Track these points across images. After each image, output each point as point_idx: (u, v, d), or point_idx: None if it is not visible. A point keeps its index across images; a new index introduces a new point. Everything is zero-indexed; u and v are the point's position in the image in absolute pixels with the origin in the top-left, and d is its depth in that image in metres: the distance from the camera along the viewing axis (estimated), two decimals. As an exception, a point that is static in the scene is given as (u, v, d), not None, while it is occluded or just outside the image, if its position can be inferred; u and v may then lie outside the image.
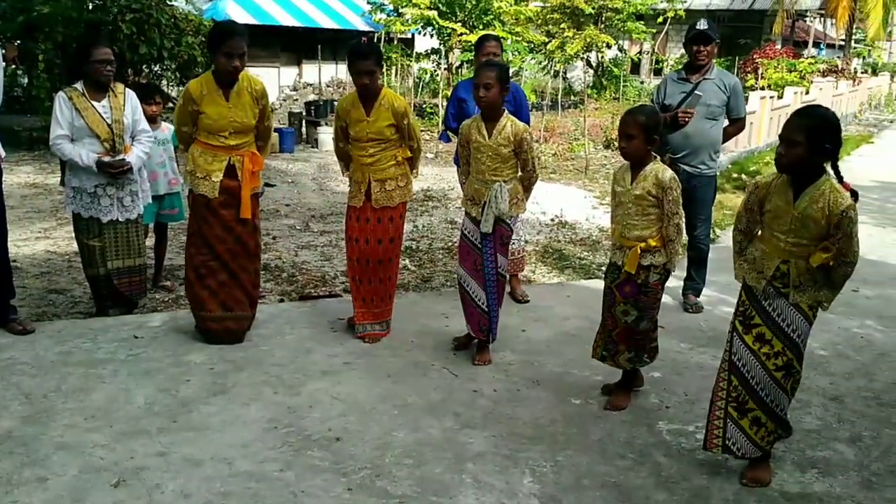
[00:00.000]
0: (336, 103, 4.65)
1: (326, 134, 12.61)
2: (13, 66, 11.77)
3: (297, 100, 17.76)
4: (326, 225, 7.36)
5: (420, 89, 19.44)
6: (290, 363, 3.96)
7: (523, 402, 3.64)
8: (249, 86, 4.09)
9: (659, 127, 3.34)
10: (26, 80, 12.59)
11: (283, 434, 3.23)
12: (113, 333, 4.25)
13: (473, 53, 5.35)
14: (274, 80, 18.22)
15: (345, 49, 18.00)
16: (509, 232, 3.99)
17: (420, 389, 3.71)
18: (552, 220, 7.82)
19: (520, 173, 3.99)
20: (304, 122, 14.09)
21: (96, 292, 4.52)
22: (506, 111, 3.94)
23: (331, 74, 19.30)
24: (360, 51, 4.05)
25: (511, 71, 16.32)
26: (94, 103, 4.25)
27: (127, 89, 4.44)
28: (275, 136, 12.40)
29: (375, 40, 17.71)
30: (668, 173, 3.33)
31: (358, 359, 4.05)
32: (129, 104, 4.38)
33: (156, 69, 11.67)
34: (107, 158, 4.25)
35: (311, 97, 17.11)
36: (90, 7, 10.70)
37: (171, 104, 9.52)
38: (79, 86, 4.27)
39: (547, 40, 20.23)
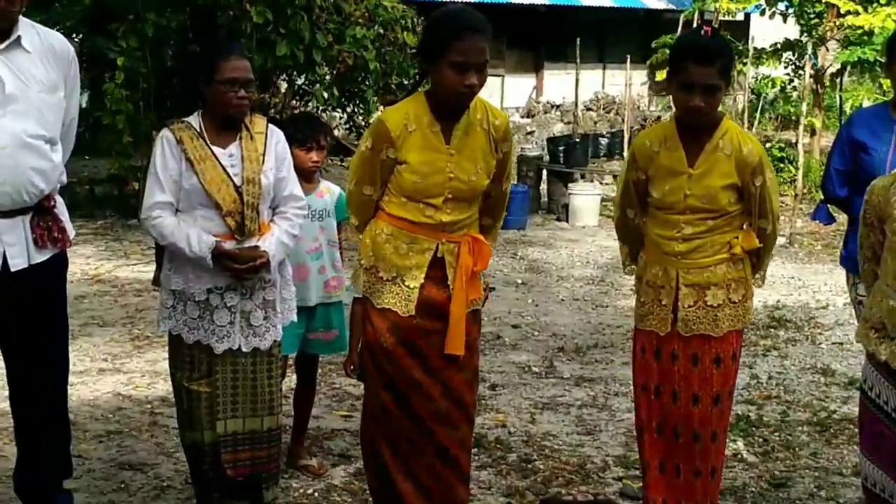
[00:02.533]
0: (628, 143, 4.71)
1: (586, 196, 12.87)
2: None
3: (532, 133, 18.31)
4: (586, 366, 7.44)
5: (759, 114, 19.33)
6: None
7: None
8: (485, 119, 4.19)
9: None
10: (86, 100, 13.69)
11: None
12: (226, 553, 4.44)
13: (886, 54, 5.28)
14: (495, 96, 19.01)
15: (622, 44, 18.25)
16: None
17: None
18: None
19: None
20: (544, 173, 14.41)
21: (198, 472, 4.72)
22: None
23: (594, 89, 19.75)
24: (701, 47, 4.14)
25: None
26: (217, 150, 4.53)
27: (271, 127, 4.71)
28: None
29: (683, 26, 17.94)
30: None
31: None
32: (273, 152, 4.62)
33: (300, 82, 12.30)
34: (230, 245, 4.48)
35: (559, 128, 17.57)
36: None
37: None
38: (194, 121, 4.58)
39: None
